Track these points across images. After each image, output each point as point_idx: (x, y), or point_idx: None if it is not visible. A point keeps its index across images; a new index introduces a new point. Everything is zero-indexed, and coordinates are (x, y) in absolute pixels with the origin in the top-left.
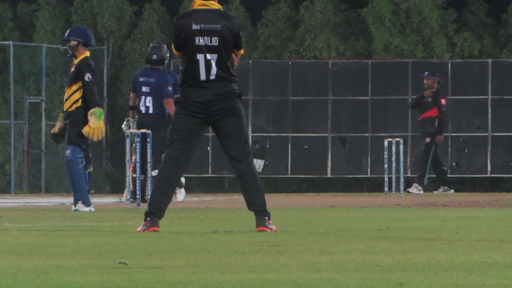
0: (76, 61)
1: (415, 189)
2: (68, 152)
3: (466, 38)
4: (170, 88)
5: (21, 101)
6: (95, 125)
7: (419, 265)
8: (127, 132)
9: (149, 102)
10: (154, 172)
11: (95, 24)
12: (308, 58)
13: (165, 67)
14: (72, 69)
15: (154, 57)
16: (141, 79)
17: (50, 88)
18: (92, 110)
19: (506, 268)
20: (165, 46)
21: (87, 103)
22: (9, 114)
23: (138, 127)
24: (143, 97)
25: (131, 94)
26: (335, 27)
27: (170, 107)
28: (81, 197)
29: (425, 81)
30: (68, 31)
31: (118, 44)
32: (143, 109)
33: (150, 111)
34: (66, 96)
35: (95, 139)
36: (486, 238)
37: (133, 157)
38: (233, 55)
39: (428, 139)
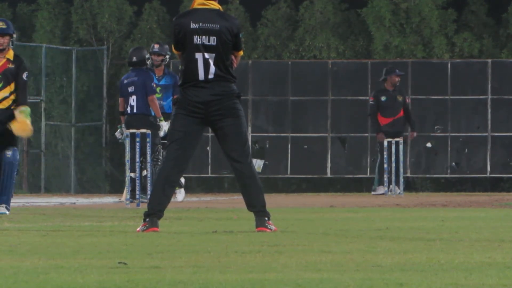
0: (7, 56)
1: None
2: (10, 153)
3: (466, 38)
4: (154, 85)
5: None
6: (25, 122)
7: (419, 265)
8: (121, 138)
9: (133, 101)
10: (144, 172)
11: (95, 24)
12: (308, 58)
13: (168, 67)
14: (10, 66)
15: (134, 59)
16: (125, 81)
17: (50, 88)
18: (22, 108)
19: (506, 268)
20: (145, 49)
21: (19, 101)
22: None
23: (126, 128)
24: (129, 98)
25: (120, 99)
26: (335, 27)
27: (154, 106)
28: (8, 200)
29: (397, 79)
30: (6, 22)
31: (118, 44)
32: (128, 109)
33: (135, 110)
34: (4, 94)
35: (24, 135)
36: (486, 238)
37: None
38: (233, 57)
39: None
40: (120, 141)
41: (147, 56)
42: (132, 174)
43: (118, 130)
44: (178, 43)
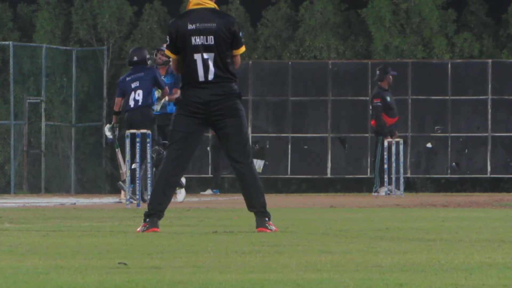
0: None
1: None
2: None
3: (466, 38)
4: (165, 81)
5: (21, 101)
6: None
7: (419, 265)
8: (110, 137)
9: (139, 96)
10: (134, 165)
11: (95, 24)
12: (308, 59)
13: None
14: None
15: (135, 58)
16: (128, 78)
17: (50, 88)
18: None
19: (506, 268)
20: (145, 50)
21: None
22: (9, 115)
23: (127, 124)
24: (132, 93)
25: (116, 99)
26: (335, 28)
27: (168, 95)
28: None
29: (391, 78)
30: None
31: (118, 44)
32: (132, 103)
33: (139, 103)
34: None
35: None
36: (486, 238)
37: (124, 165)
38: (235, 58)
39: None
40: (108, 140)
41: (148, 56)
42: (134, 165)
43: (107, 128)
44: (175, 45)
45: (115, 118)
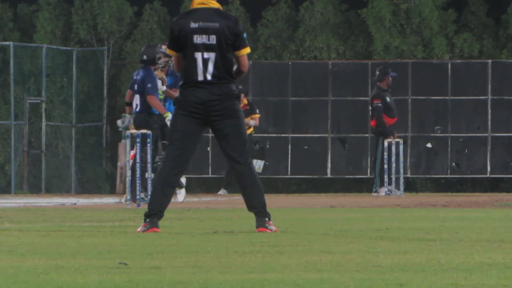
0: None
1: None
2: None
3: (466, 39)
4: (149, 85)
5: (21, 101)
6: None
7: (419, 266)
8: (119, 125)
9: (137, 100)
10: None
11: (96, 24)
12: (308, 59)
13: (166, 67)
14: None
15: (144, 57)
16: (135, 77)
17: (50, 88)
18: None
19: (506, 268)
20: (158, 48)
21: None
22: (9, 115)
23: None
24: (135, 95)
25: (128, 90)
26: (335, 28)
27: (154, 104)
28: None
29: (390, 79)
30: None
31: (119, 44)
32: (134, 106)
33: (137, 109)
34: None
35: None
36: (486, 238)
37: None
38: (240, 60)
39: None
40: (119, 129)
41: (158, 55)
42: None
43: (121, 119)
44: (177, 43)
45: (127, 109)
